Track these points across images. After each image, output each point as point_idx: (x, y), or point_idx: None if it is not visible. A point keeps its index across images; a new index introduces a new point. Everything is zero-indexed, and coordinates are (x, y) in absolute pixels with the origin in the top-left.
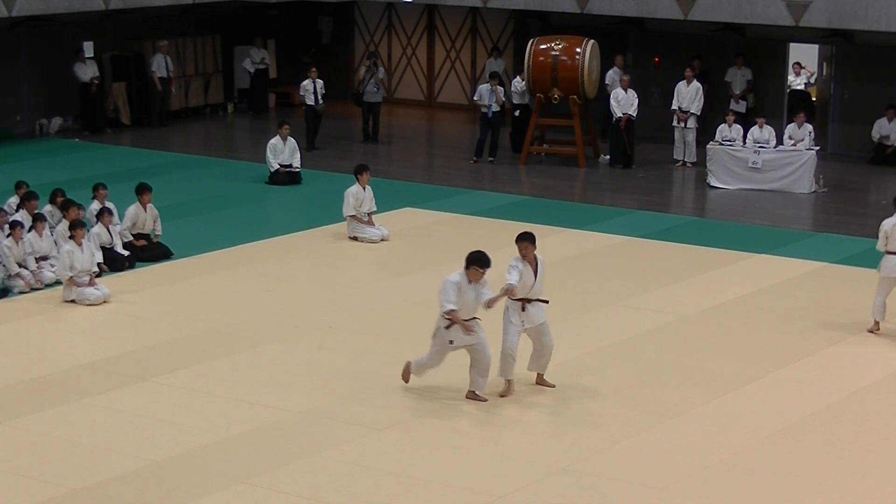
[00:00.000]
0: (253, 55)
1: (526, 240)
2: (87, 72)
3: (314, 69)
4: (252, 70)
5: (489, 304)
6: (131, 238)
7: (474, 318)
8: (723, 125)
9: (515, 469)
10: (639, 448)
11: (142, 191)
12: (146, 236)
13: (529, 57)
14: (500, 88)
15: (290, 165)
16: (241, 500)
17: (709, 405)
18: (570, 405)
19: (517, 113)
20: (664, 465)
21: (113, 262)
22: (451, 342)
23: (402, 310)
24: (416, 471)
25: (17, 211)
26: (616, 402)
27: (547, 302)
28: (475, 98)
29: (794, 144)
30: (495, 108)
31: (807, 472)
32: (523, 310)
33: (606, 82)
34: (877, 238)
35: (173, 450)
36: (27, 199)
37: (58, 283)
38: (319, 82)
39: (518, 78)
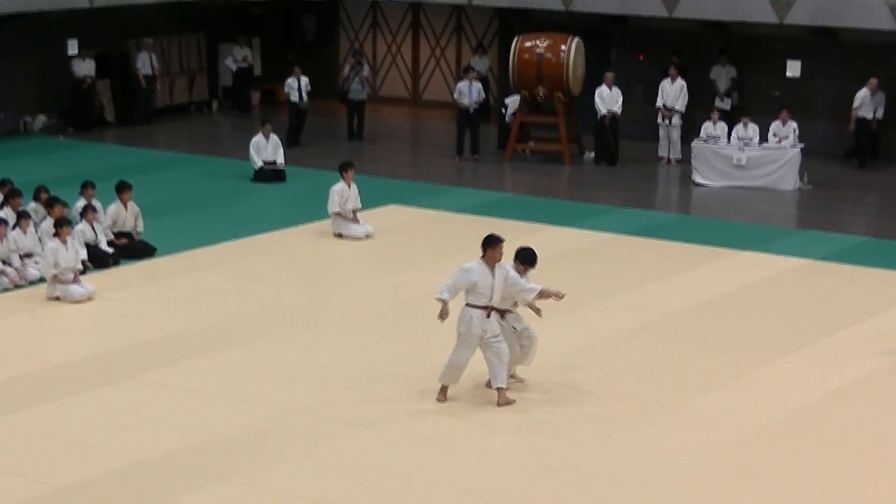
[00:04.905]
0: (235, 53)
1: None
2: (84, 68)
3: (298, 67)
4: (234, 68)
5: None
6: (112, 237)
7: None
8: (707, 123)
9: (514, 469)
10: (635, 447)
11: (122, 189)
12: (128, 234)
13: (514, 54)
14: (478, 84)
15: (274, 163)
16: (239, 500)
17: (696, 402)
18: (564, 404)
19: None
20: (662, 463)
21: (98, 260)
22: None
23: (388, 307)
24: (416, 471)
25: (1, 208)
26: (609, 401)
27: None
28: (455, 96)
29: (779, 141)
30: (474, 99)
31: (795, 468)
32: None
33: (855, 105)
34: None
35: (159, 448)
36: (11, 197)
37: (42, 280)
38: (304, 79)
39: (514, 96)
